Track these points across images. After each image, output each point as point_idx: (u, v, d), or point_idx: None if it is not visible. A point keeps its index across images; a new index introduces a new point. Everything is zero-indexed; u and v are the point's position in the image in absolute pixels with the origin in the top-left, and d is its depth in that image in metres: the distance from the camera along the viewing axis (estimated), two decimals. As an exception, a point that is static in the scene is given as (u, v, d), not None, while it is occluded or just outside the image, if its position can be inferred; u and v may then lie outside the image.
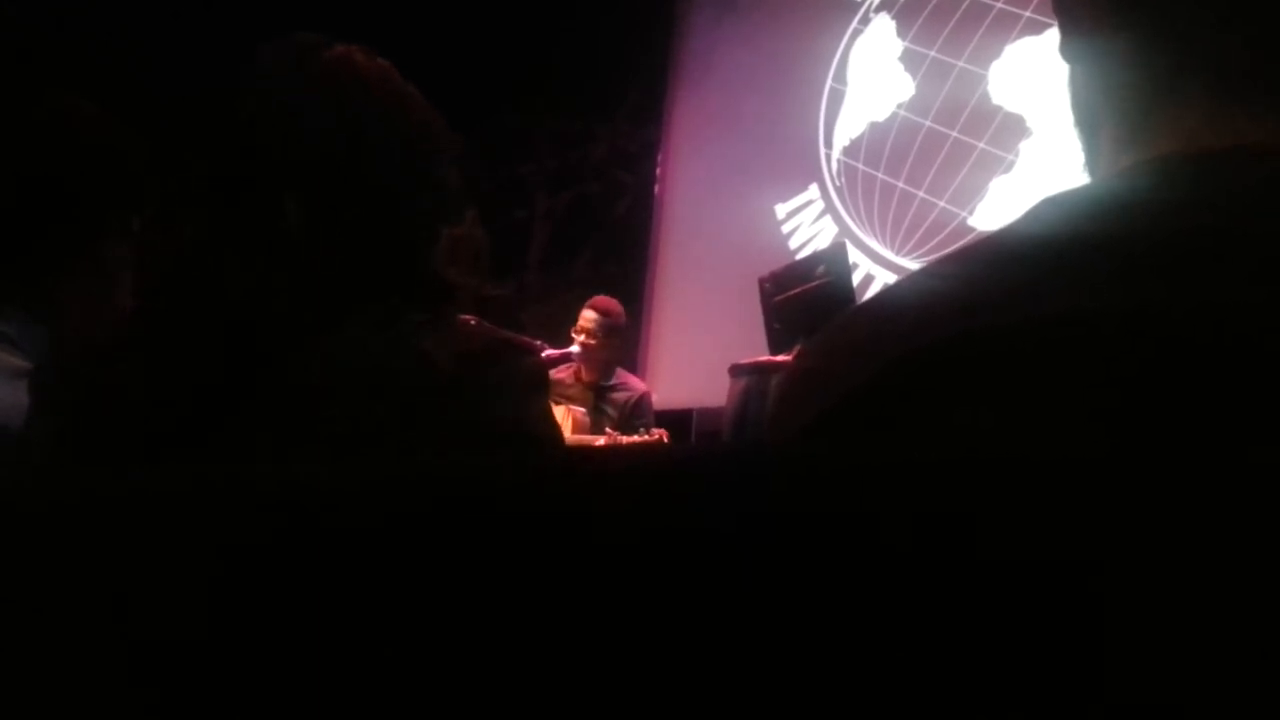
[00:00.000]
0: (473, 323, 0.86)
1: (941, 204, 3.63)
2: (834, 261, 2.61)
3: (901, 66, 3.90)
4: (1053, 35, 0.48)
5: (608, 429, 3.36)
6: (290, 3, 2.23)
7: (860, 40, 4.13)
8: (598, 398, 3.64)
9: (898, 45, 3.94)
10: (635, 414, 3.59)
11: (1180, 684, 0.25)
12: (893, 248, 3.81)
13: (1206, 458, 0.27)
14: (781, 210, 4.29)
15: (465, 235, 0.89)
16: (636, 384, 3.79)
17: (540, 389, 0.87)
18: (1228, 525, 0.26)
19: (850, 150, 4.08)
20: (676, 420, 3.91)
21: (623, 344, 3.78)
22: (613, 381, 3.67)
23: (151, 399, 0.74)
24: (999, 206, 3.42)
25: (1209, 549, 0.26)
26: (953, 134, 3.63)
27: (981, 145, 3.53)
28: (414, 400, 0.74)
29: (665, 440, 3.18)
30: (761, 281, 2.69)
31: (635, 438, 3.21)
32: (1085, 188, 0.41)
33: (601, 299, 3.69)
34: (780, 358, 2.55)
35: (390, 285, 0.82)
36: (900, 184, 3.81)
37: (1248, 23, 0.40)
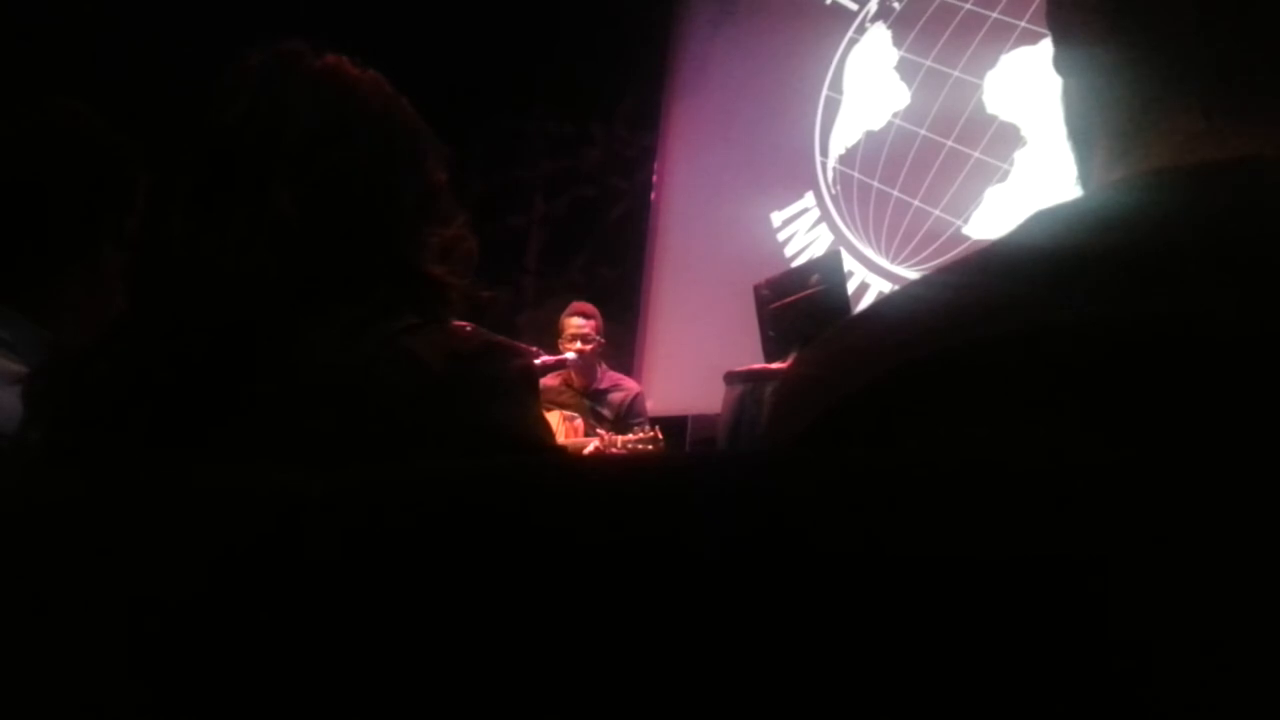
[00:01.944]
0: (468, 328, 0.86)
1: (936, 213, 3.64)
2: (829, 270, 2.61)
3: (897, 75, 3.91)
4: (1047, 45, 0.48)
5: (599, 430, 3.36)
6: (288, 4, 2.24)
7: (856, 49, 4.14)
8: (593, 400, 3.64)
9: (893, 54, 3.95)
10: (631, 413, 3.61)
11: (1179, 686, 0.25)
12: (888, 256, 3.81)
13: (1205, 464, 0.27)
14: (777, 218, 4.30)
15: (457, 238, 0.89)
16: (629, 383, 3.81)
17: (531, 391, 0.87)
18: (1229, 530, 0.26)
19: (846, 158, 4.09)
20: (671, 427, 3.91)
21: (607, 343, 3.82)
22: (605, 384, 3.68)
23: (145, 400, 0.74)
24: (994, 215, 3.42)
25: (1210, 553, 0.26)
26: (948, 143, 3.64)
27: (976, 154, 3.54)
28: (405, 401, 0.74)
29: (660, 437, 3.19)
30: (757, 289, 2.69)
31: (632, 436, 3.21)
32: (1078, 200, 0.41)
33: (580, 304, 3.72)
34: (775, 365, 2.55)
35: (382, 287, 0.82)
36: (895, 192, 3.82)
37: (1239, 35, 0.40)
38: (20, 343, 1.00)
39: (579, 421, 3.48)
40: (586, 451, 3.18)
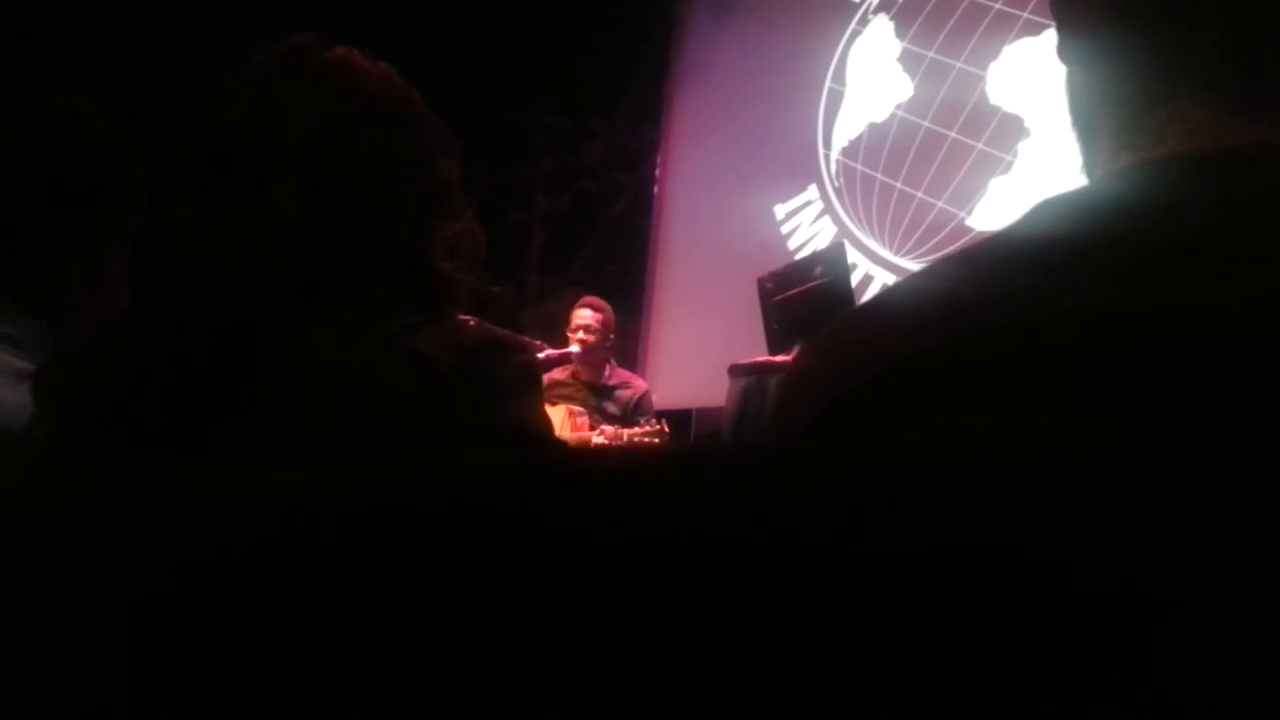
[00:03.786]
0: (472, 323, 0.85)
1: (940, 204, 3.63)
2: (833, 262, 2.61)
3: (900, 67, 3.91)
4: (1051, 36, 0.48)
5: (603, 426, 3.37)
6: (287, 1, 2.23)
7: (859, 41, 4.14)
8: (600, 396, 3.66)
9: (896, 46, 3.94)
10: (639, 411, 3.63)
11: (1179, 683, 0.25)
12: (891, 248, 3.81)
13: (1210, 455, 0.27)
14: (781, 210, 4.30)
15: (464, 233, 0.89)
16: (638, 381, 3.82)
17: (533, 387, 0.87)
18: (1233, 521, 0.26)
19: (849, 151, 4.09)
20: (676, 420, 3.92)
21: (615, 339, 3.83)
22: (613, 380, 3.70)
23: (145, 399, 0.74)
24: (997, 207, 3.42)
25: (1214, 545, 0.26)
26: (951, 134, 3.64)
27: (980, 146, 3.53)
28: (406, 400, 0.74)
29: (666, 431, 3.19)
30: (761, 282, 2.70)
31: (638, 429, 3.21)
32: (1083, 189, 0.41)
33: (592, 298, 3.74)
34: (780, 358, 2.55)
35: (384, 285, 0.82)
36: (899, 184, 3.82)
37: (1245, 22, 0.40)
38: (26, 340, 1.00)
39: (584, 418, 3.48)
40: (592, 444, 3.18)
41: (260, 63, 0.86)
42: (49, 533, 0.37)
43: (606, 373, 3.72)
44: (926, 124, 3.74)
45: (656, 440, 3.16)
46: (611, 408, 3.63)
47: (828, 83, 4.22)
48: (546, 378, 3.63)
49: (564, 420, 3.39)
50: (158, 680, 0.32)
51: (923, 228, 3.68)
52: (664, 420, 3.34)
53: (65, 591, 0.35)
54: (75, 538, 0.36)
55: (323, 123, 0.83)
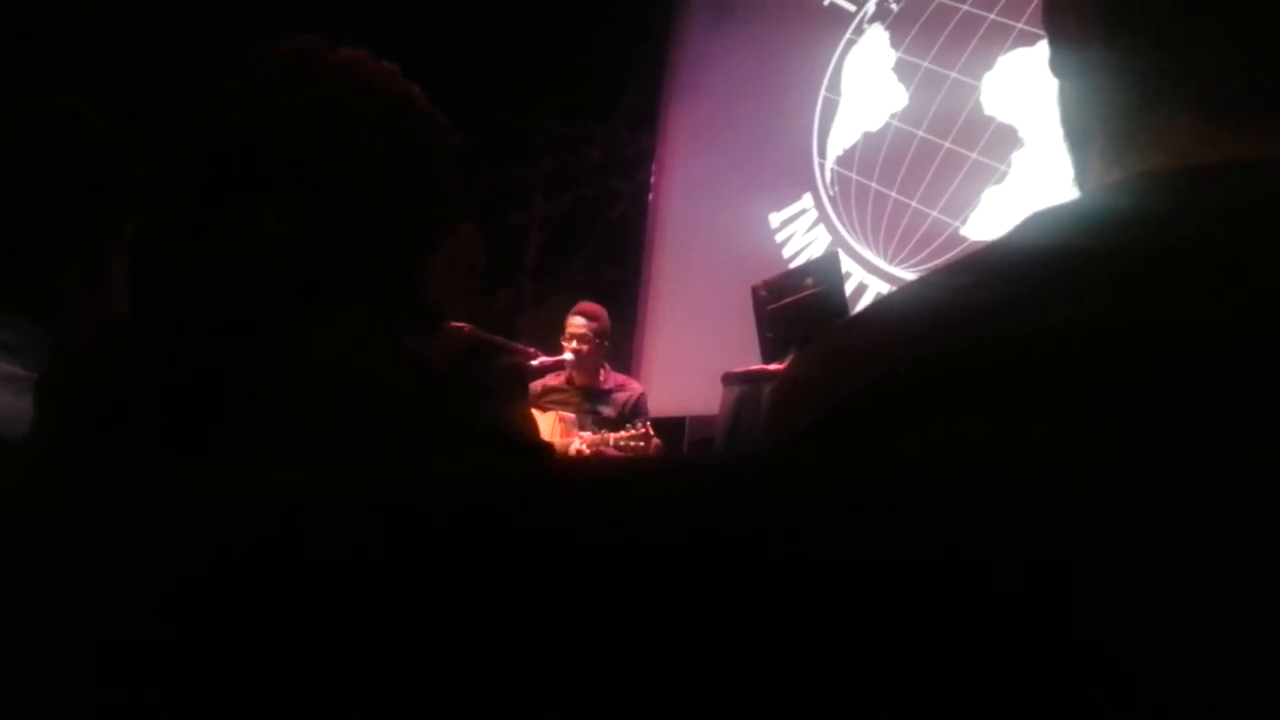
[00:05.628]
0: (465, 329, 0.86)
1: (934, 214, 3.64)
2: (827, 271, 2.62)
3: (895, 77, 3.92)
4: (1045, 47, 0.48)
5: (589, 431, 3.37)
6: (288, 1, 2.24)
7: (854, 50, 4.14)
8: (595, 400, 3.66)
9: (891, 56, 3.95)
10: (636, 413, 3.64)
11: (1177, 687, 0.26)
12: (886, 257, 3.82)
13: (1202, 466, 0.27)
14: (775, 219, 4.30)
15: (464, 242, 0.89)
16: (633, 384, 3.83)
17: (518, 388, 0.86)
18: (1227, 531, 0.26)
19: (844, 160, 4.09)
20: (669, 428, 3.92)
21: (610, 345, 3.84)
22: (609, 384, 3.70)
23: (145, 400, 0.74)
24: (991, 217, 3.43)
25: (1209, 555, 0.26)
26: (945, 144, 3.64)
27: (974, 156, 3.54)
28: (404, 401, 0.74)
29: (651, 434, 3.20)
30: (755, 290, 2.70)
31: (624, 433, 3.22)
32: (1075, 202, 0.41)
33: (587, 304, 3.74)
34: (773, 366, 2.55)
35: (383, 286, 0.82)
36: (893, 194, 3.82)
37: (1235, 36, 0.40)
38: (20, 346, 1.00)
39: (574, 424, 3.48)
40: (573, 450, 3.18)
41: (262, 63, 0.86)
42: (48, 533, 0.37)
43: (601, 377, 3.73)
44: (921, 133, 3.75)
45: (641, 444, 3.17)
46: (608, 411, 3.64)
47: (823, 91, 4.23)
48: (541, 384, 3.63)
49: (553, 425, 3.38)
50: (157, 681, 0.32)
51: (917, 237, 3.69)
52: (649, 424, 3.35)
53: (64, 592, 0.35)
54: (75, 538, 0.36)
55: (323, 123, 0.83)
